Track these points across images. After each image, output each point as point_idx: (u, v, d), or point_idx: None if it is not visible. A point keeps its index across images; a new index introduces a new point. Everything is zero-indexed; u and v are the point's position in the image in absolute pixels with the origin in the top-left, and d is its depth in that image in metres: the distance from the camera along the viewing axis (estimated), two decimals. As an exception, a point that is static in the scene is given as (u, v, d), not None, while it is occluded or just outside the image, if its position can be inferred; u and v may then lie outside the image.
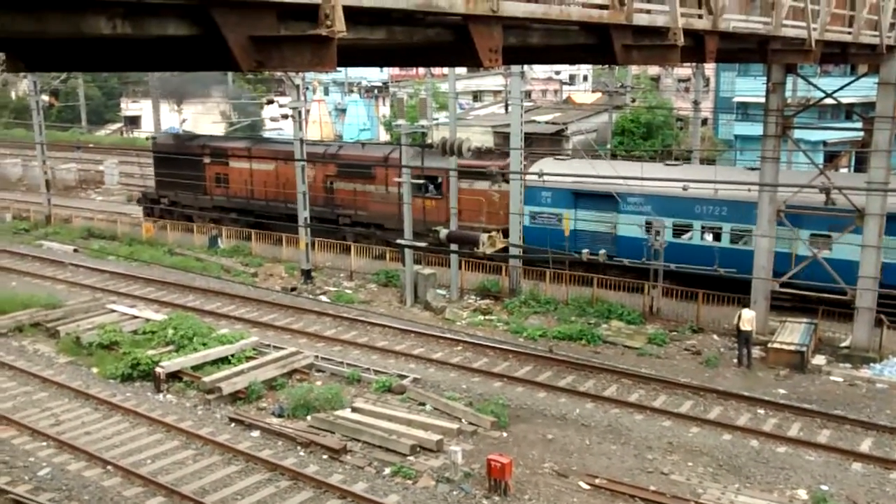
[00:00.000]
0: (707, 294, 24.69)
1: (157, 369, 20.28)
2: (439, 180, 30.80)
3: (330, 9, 6.50)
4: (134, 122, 73.00)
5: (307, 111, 49.62)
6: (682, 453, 16.88)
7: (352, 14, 6.96)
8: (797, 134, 26.67)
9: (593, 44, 11.22)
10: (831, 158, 35.51)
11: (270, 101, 43.41)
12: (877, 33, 18.94)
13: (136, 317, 24.80)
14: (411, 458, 16.39)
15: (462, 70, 57.40)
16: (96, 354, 22.19)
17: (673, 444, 17.25)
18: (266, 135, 48.45)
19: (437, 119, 39.46)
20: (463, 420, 18.12)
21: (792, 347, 21.69)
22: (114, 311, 25.48)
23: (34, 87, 40.49)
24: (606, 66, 49.85)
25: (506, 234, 26.65)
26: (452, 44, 9.06)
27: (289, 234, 32.71)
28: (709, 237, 26.33)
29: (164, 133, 44.19)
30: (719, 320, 24.40)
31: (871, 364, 21.39)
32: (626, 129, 45.35)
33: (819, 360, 21.94)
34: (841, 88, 24.00)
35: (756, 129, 28.30)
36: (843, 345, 22.55)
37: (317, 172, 34.21)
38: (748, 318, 21.55)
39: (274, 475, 15.85)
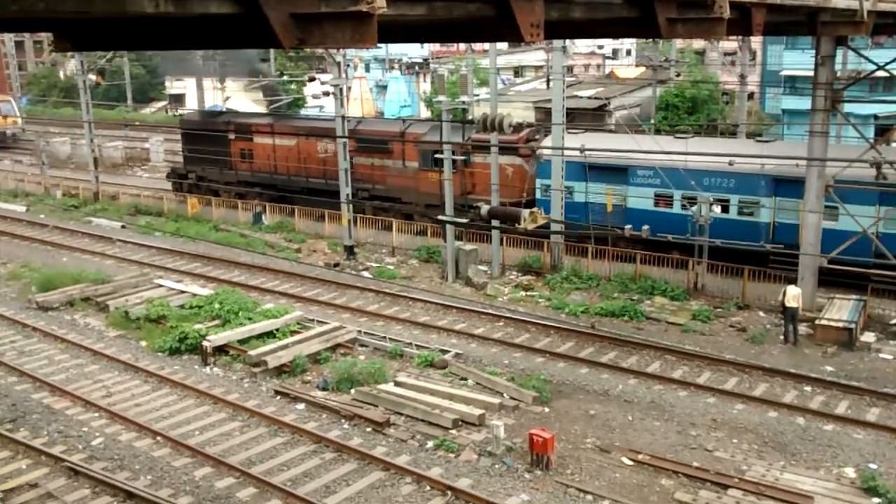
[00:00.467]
0: (753, 270, 24.37)
1: (204, 343, 20.66)
2: (453, 153, 30.72)
3: (371, -16, 6.51)
4: (178, 99, 73.81)
5: (348, 88, 49.78)
6: (726, 430, 16.77)
7: (393, -11, 6.96)
8: (847, 108, 26.04)
9: (636, 17, 11.07)
10: (882, 132, 34.60)
11: (312, 79, 43.61)
12: (932, 2, 18.37)
13: (182, 291, 25.25)
14: (454, 431, 16.53)
15: (503, 45, 56.95)
16: (145, 328, 22.68)
17: (717, 421, 17.14)
18: (305, 112, 48.69)
19: (477, 95, 39.32)
20: (505, 395, 18.20)
21: (840, 324, 21.34)
22: (161, 285, 25.97)
23: (81, 67, 41.14)
24: (650, 40, 49.13)
25: (528, 206, 26.72)
26: (493, 19, 9.01)
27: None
28: (717, 209, 26.30)
29: (191, 110, 45.14)
30: (765, 296, 24.08)
31: (922, 342, 20.98)
32: (671, 103, 44.68)
33: (868, 337, 21.54)
34: (893, 60, 23.35)
35: (804, 103, 27.68)
36: (893, 322, 22.13)
37: (336, 148, 34.14)
38: (794, 295, 21.23)
39: (319, 447, 16.11)
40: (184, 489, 14.66)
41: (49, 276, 26.67)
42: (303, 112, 51.08)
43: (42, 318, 23.91)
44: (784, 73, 45.39)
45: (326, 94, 34.46)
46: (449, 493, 14.32)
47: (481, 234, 29.17)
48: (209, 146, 38.85)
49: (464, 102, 32.81)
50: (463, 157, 30.77)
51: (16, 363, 20.43)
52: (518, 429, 16.57)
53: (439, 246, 28.76)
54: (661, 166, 25.61)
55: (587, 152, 23.47)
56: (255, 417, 17.42)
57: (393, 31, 10.93)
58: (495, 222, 22.97)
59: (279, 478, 14.89)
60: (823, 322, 21.56)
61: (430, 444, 16.18)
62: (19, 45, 76.48)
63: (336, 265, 28.99)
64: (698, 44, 58.79)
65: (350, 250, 30.06)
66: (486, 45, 36.17)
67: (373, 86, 63.47)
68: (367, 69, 66.66)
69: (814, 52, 22.31)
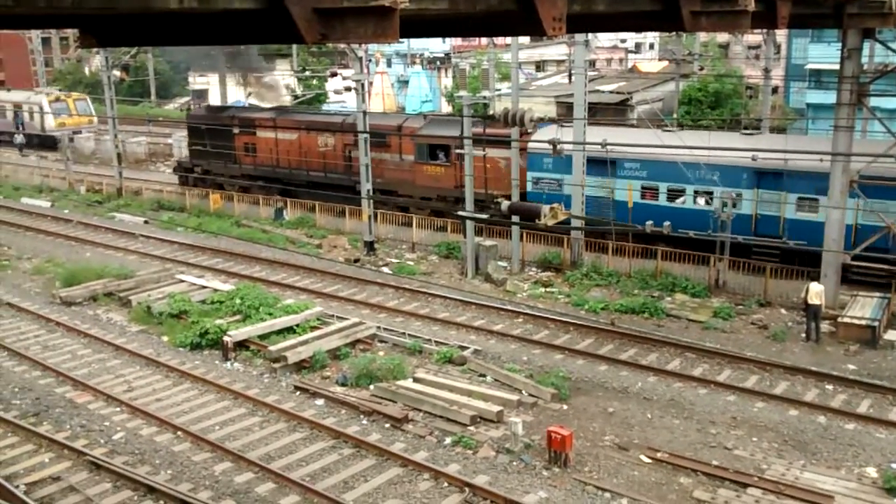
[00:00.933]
0: (775, 267, 24.16)
1: (225, 338, 20.78)
2: (448, 148, 31.83)
3: (392, -20, 6.50)
4: (201, 95, 74.25)
5: (370, 83, 49.86)
6: (746, 428, 16.64)
7: (414, -16, 6.94)
8: (873, 102, 25.73)
9: (660, 10, 11.00)
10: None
11: (334, 74, 43.74)
12: (961, -5, 18.09)
13: (204, 287, 25.41)
14: (472, 428, 16.52)
15: (525, 39, 56.81)
16: (166, 323, 22.84)
17: (737, 419, 17.01)
18: (325, 108, 48.96)
19: (499, 90, 39.18)
20: (523, 391, 18.16)
21: (863, 322, 21.10)
22: (183, 281, 26.14)
23: (106, 63, 41.47)
24: (673, 33, 48.77)
25: (522, 199, 28.54)
26: (515, 13, 8.98)
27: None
28: (701, 201, 26.66)
29: (197, 105, 46.00)
30: (787, 294, 23.87)
31: (948, 340, 20.71)
32: (694, 98, 44.34)
33: (892, 335, 21.28)
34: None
35: (829, 97, 27.37)
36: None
37: (336, 141, 35.68)
38: (816, 292, 21.01)
39: (337, 443, 16.16)
40: (203, 484, 14.76)
41: (73, 271, 26.93)
42: (323, 106, 51.26)
43: (66, 313, 24.15)
44: (809, 66, 44.87)
45: (348, 89, 34.72)
46: (467, 489, 14.32)
47: (501, 230, 29.12)
48: (214, 140, 39.73)
49: (485, 97, 32.67)
50: (458, 151, 30.91)
51: (40, 357, 20.65)
52: (536, 426, 16.54)
53: (459, 242, 28.74)
54: (646, 159, 26.03)
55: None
56: (274, 413, 17.50)
57: (415, 26, 10.92)
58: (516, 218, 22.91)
59: (298, 473, 14.95)
60: (846, 320, 21.34)
61: (448, 440, 16.18)
62: (46, 42, 77.21)
63: (356, 261, 29.05)
64: (722, 37, 58.29)
65: (370, 246, 30.12)
66: (508, 40, 36.07)
67: (394, 81, 63.49)
68: (389, 64, 66.67)
69: (840, 44, 22.04)
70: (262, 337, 21.22)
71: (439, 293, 25.11)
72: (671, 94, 42.32)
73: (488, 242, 27.73)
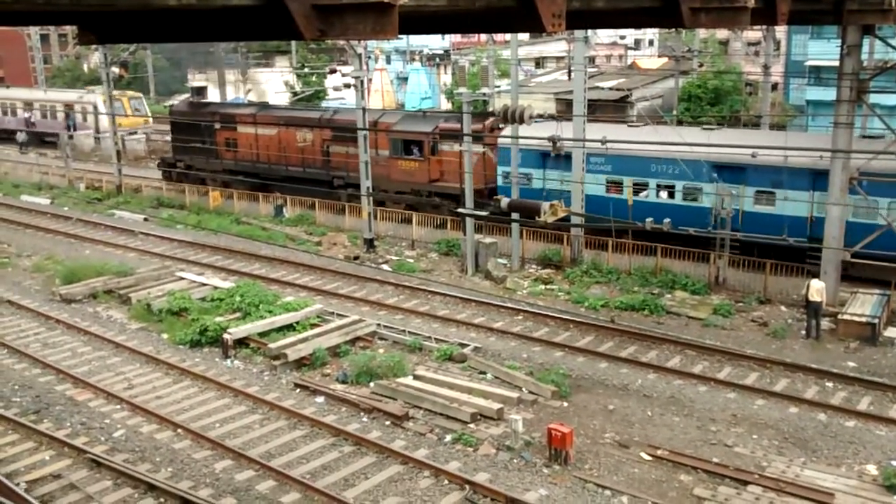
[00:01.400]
0: (775, 264, 24.16)
1: (225, 336, 20.77)
2: (422, 143, 32.58)
3: (391, -24, 6.48)
4: (200, 92, 74.22)
5: (369, 80, 49.82)
6: (746, 426, 16.64)
7: (413, -19, 6.92)
8: (873, 98, 25.74)
9: (659, 6, 10.98)
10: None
11: (333, 71, 43.77)
12: (961, -9, 18.04)
13: (204, 284, 25.40)
14: (472, 425, 16.52)
15: (524, 36, 56.78)
16: (166, 321, 22.83)
17: (737, 417, 17.01)
18: (325, 104, 49.04)
19: (498, 86, 39.15)
20: (523, 389, 18.15)
21: (863, 319, 21.09)
22: (183, 278, 26.13)
23: (104, 60, 41.45)
24: (673, 30, 48.72)
25: (491, 192, 29.69)
26: (515, 9, 8.96)
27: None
28: (664, 194, 27.34)
29: (180, 101, 46.43)
30: (787, 291, 23.86)
31: (948, 337, 20.71)
32: (693, 94, 44.30)
33: (892, 332, 21.29)
34: (922, 50, 23.01)
35: (829, 93, 27.37)
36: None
37: (315, 137, 36.34)
38: (817, 289, 21.00)
39: (338, 440, 16.16)
40: (204, 481, 14.75)
41: (72, 268, 26.91)
42: (322, 103, 51.26)
43: (65, 311, 24.14)
44: (809, 63, 44.84)
45: (347, 86, 34.72)
46: (467, 486, 14.31)
47: (501, 228, 29.12)
48: (197, 136, 40.19)
49: (484, 94, 32.64)
50: (431, 145, 32.44)
51: (39, 355, 20.65)
52: (537, 423, 16.54)
53: (459, 239, 28.74)
54: (611, 154, 26.36)
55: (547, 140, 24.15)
56: (274, 410, 17.50)
57: (414, 22, 10.89)
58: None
59: (298, 470, 14.95)
60: (846, 317, 21.34)
61: (448, 437, 16.18)
62: (44, 39, 77.23)
63: (356, 258, 29.04)
64: (722, 33, 58.21)
65: (370, 243, 30.10)
66: (508, 36, 36.04)
67: (393, 78, 63.43)
68: (388, 61, 66.62)
69: (839, 41, 22.01)
70: (262, 334, 21.22)
71: (439, 290, 25.10)
72: (671, 91, 42.27)
73: (488, 240, 27.73)
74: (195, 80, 73.92)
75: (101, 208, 38.46)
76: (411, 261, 28.89)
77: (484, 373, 19.13)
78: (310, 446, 15.96)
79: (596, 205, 27.37)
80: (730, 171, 25.86)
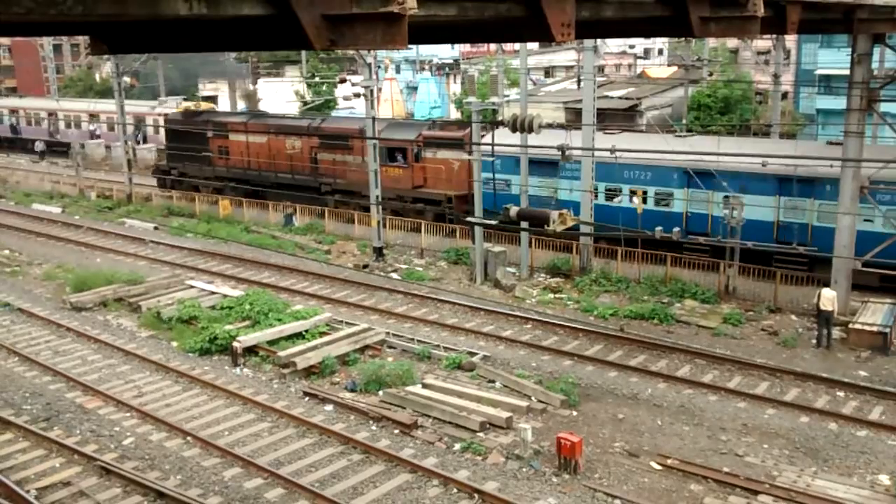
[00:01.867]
0: (785, 273, 24.08)
1: (235, 344, 20.81)
2: (406, 150, 33.42)
3: (401, -14, 6.51)
4: (211, 101, 74.55)
5: (379, 90, 49.98)
6: (757, 435, 16.55)
7: (423, -9, 6.95)
8: (884, 107, 25.70)
9: (669, 16, 10.98)
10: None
11: (343, 80, 43.95)
12: (972, 0, 18.01)
13: (213, 292, 25.46)
14: (481, 434, 16.49)
15: (534, 45, 56.82)
16: (176, 329, 22.89)
17: (748, 426, 16.93)
18: (335, 114, 49.28)
19: (507, 96, 39.22)
20: (532, 398, 18.12)
21: (874, 328, 20.99)
22: (192, 286, 26.21)
23: (116, 70, 41.76)
24: (682, 39, 48.71)
25: (467, 198, 30.96)
26: (524, 19, 8.98)
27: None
28: (636, 200, 28.19)
29: (174, 110, 46.88)
30: (798, 300, 23.77)
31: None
32: (703, 103, 44.24)
33: (904, 342, 21.18)
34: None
35: (839, 102, 27.34)
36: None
37: (303, 144, 37.09)
38: (829, 298, 20.91)
39: (346, 448, 16.15)
40: (213, 489, 14.77)
41: (83, 276, 27.03)
42: (332, 112, 51.47)
43: (76, 319, 24.24)
44: (819, 72, 44.74)
45: (357, 95, 35.10)
46: (476, 495, 14.28)
47: (510, 236, 29.14)
48: (190, 144, 40.85)
49: (494, 103, 32.75)
50: (415, 153, 33.32)
51: (50, 363, 20.73)
52: (546, 432, 16.50)
53: (468, 248, 28.75)
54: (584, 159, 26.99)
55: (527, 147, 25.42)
56: (283, 418, 17.51)
57: (424, 32, 10.95)
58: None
59: (307, 479, 14.94)
60: (857, 326, 21.23)
61: (457, 446, 16.15)
62: (57, 49, 77.74)
63: (365, 267, 29.08)
64: (731, 42, 58.17)
65: (379, 252, 30.14)
66: (517, 46, 36.11)
67: (403, 87, 63.60)
68: (398, 70, 66.81)
69: (850, 50, 21.99)
70: (272, 342, 21.24)
71: (448, 299, 25.09)
72: (680, 100, 42.23)
73: (497, 248, 27.72)
74: (205, 89, 74.30)
75: (111, 217, 38.65)
76: (420, 269, 28.91)
77: (493, 381, 19.10)
78: (318, 454, 15.96)
79: (569, 208, 27.74)
80: (699, 177, 26.57)
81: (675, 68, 53.25)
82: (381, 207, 30.33)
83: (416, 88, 62.79)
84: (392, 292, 26.25)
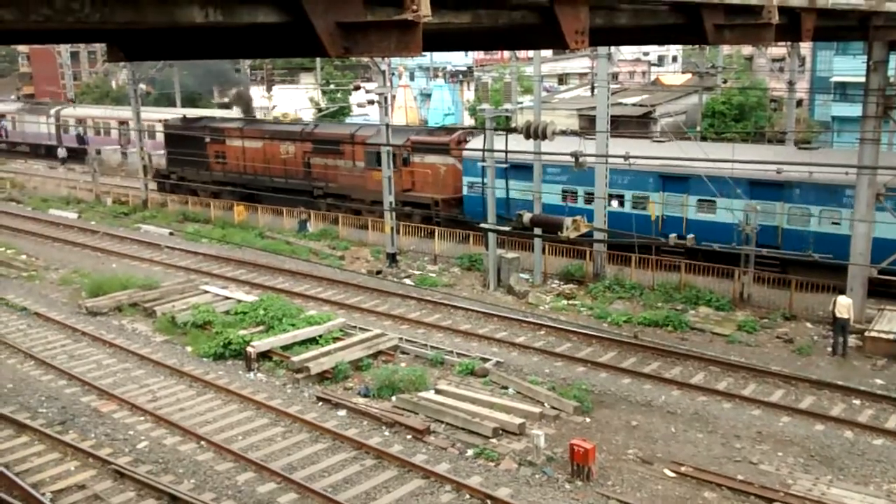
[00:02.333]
0: (800, 281, 23.96)
1: (249, 349, 20.89)
2: (395, 155, 33.58)
3: (415, -7, 6.55)
4: (227, 108, 74.92)
5: (393, 97, 50.12)
6: (771, 443, 16.46)
7: (437, -2, 6.99)
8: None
9: (683, 23, 10.99)
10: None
11: (357, 87, 44.20)
12: None
13: (228, 298, 25.59)
14: (494, 440, 16.48)
15: (547, 53, 56.86)
16: (190, 333, 23.01)
17: (762, 434, 16.84)
18: (349, 120, 49.59)
19: (521, 103, 39.21)
20: (545, 404, 18.10)
21: (890, 336, 20.84)
22: (207, 292, 26.34)
23: (132, 77, 42.14)
24: (697, 46, 48.59)
25: (453, 202, 32.71)
26: (538, 26, 9.02)
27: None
28: (614, 203, 28.78)
29: (173, 117, 47.51)
30: (813, 307, 23.63)
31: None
32: (717, 111, 44.11)
33: (920, 350, 21.00)
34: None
35: (855, 109, 27.30)
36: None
37: (296, 149, 38.08)
38: (845, 305, 20.77)
39: (359, 454, 16.18)
40: (226, 493, 14.83)
41: (98, 281, 27.22)
42: (346, 119, 51.72)
43: (91, 323, 24.41)
44: (834, 79, 44.54)
45: (371, 102, 35.46)
46: (489, 501, 14.27)
47: (523, 242, 29.13)
48: (188, 149, 41.79)
49: (507, 110, 32.74)
50: (403, 157, 34.13)
51: (66, 367, 20.88)
52: (559, 438, 16.47)
53: (481, 254, 28.76)
54: (566, 164, 26.61)
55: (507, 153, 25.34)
56: (297, 423, 17.56)
57: (438, 40, 10.99)
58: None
59: (320, 483, 14.98)
60: (873, 334, 21.09)
61: (470, 452, 16.15)
62: (74, 56, 78.52)
63: (378, 272, 29.13)
64: (746, 49, 57.98)
65: (392, 258, 30.19)
66: (531, 53, 36.14)
67: (417, 94, 63.74)
68: (412, 78, 66.93)
69: (865, 57, 21.89)
70: (285, 348, 21.32)
71: (461, 305, 25.11)
72: (694, 107, 42.12)
73: (510, 255, 27.71)
74: (221, 96, 74.69)
75: (127, 222, 38.92)
76: (434, 275, 28.93)
77: (506, 387, 19.09)
78: (331, 459, 16.00)
79: (552, 212, 27.97)
80: (673, 182, 27.50)
81: (689, 75, 53.12)
82: (394, 214, 30.40)
83: (429, 95, 62.90)
84: (405, 298, 26.29)
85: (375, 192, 34.36)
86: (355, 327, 22.97)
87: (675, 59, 69.82)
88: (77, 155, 57.17)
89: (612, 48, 27.71)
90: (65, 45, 63.80)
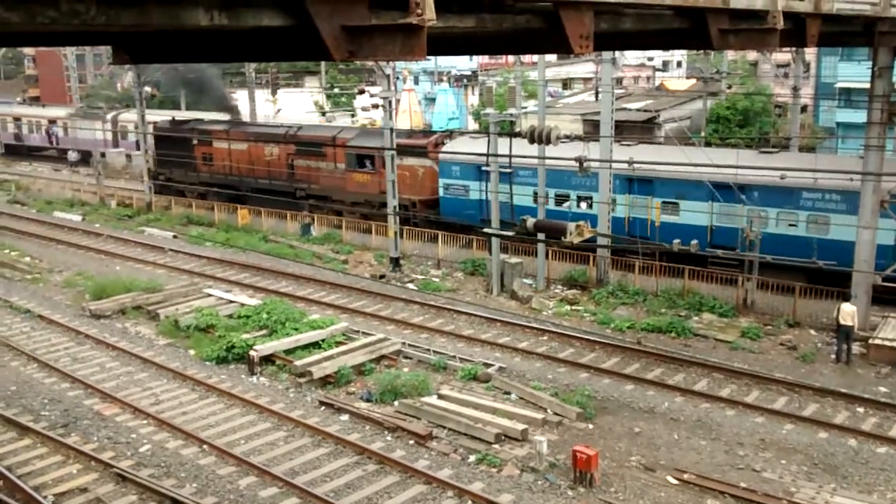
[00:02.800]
0: (804, 287, 23.90)
1: (251, 353, 20.88)
2: (374, 157, 34.76)
3: (420, -3, 6.54)
4: (231, 110, 75.00)
5: (397, 101, 50.18)
6: (774, 450, 16.40)
7: (441, 2, 6.99)
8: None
9: (688, 28, 10.98)
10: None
11: (361, 91, 44.28)
12: None
13: (231, 301, 25.58)
14: (496, 446, 16.44)
15: (552, 57, 56.83)
16: (193, 337, 23.00)
17: (766, 441, 16.78)
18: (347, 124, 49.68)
19: (525, 107, 39.24)
20: (548, 410, 18.04)
21: (895, 344, 20.76)
22: (210, 295, 26.34)
23: (137, 79, 42.25)
24: (701, 51, 48.60)
25: (430, 203, 33.65)
26: (542, 30, 9.01)
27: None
28: (583, 205, 29.35)
29: (162, 119, 47.75)
30: (817, 314, 23.56)
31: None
32: (722, 116, 44.07)
33: (925, 358, 20.93)
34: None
35: (860, 116, 27.23)
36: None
37: (280, 151, 38.68)
38: (849, 313, 20.71)
39: (361, 458, 16.15)
40: (228, 497, 14.79)
41: (102, 284, 27.24)
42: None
43: (95, 326, 24.42)
44: (839, 85, 44.49)
45: (375, 106, 35.64)
46: (491, 507, 14.22)
47: (527, 248, 29.10)
48: (177, 150, 42.41)
49: (511, 115, 32.75)
50: (382, 160, 34.29)
51: (69, 369, 20.88)
52: (561, 445, 16.42)
53: (485, 259, 28.74)
54: (537, 167, 27.81)
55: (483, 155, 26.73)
56: (299, 427, 17.53)
57: (442, 44, 10.98)
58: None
59: (322, 489, 14.95)
60: (877, 341, 21.01)
61: (472, 458, 16.11)
62: (80, 59, 78.62)
63: (382, 277, 29.12)
64: (751, 55, 57.96)
65: (396, 262, 30.17)
66: (535, 58, 36.18)
67: (421, 98, 63.76)
68: (416, 82, 66.97)
69: (870, 63, 21.85)
70: (288, 352, 21.30)
71: (464, 310, 25.07)
72: (699, 113, 42.09)
73: (514, 260, 27.68)
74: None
75: (131, 225, 38.95)
76: (437, 280, 28.92)
77: (508, 393, 19.05)
78: (333, 464, 15.97)
79: (525, 213, 28.04)
80: (639, 184, 28.10)
81: (693, 80, 53.10)
82: (395, 216, 30.39)
83: (434, 100, 62.92)
84: (408, 303, 26.26)
85: (355, 193, 35.59)
86: (358, 331, 22.95)
87: (679, 64, 69.75)
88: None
89: (617, 53, 27.72)
90: (70, 48, 63.90)
